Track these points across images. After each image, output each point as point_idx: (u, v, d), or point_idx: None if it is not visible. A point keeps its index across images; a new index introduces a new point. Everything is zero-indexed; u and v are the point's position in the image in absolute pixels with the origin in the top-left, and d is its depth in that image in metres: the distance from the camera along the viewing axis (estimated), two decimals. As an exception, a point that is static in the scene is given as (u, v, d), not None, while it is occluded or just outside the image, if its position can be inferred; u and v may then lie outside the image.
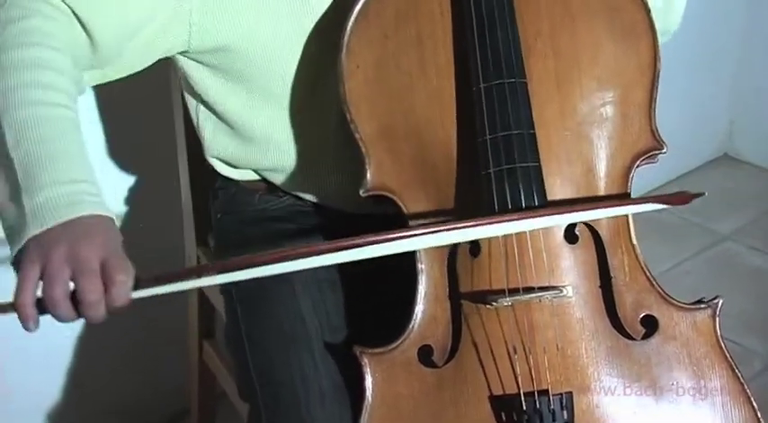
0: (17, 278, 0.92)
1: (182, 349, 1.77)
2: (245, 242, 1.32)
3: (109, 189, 1.67)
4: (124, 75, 1.17)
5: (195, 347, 1.73)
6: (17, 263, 0.94)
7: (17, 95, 1.00)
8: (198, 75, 1.22)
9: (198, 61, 1.20)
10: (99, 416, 1.85)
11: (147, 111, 1.66)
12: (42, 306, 0.92)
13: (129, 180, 1.72)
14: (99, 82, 1.16)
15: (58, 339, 1.77)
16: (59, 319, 0.93)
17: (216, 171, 1.36)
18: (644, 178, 1.16)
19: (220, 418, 1.83)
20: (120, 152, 1.69)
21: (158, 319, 1.82)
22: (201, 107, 1.28)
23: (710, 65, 2.68)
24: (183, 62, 1.21)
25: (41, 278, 0.92)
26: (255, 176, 1.33)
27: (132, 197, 1.74)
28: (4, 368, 1.69)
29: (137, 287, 0.95)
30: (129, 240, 1.74)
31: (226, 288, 1.30)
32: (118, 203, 1.74)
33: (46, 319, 1.68)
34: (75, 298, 0.92)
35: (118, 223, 1.75)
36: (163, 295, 0.98)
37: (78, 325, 1.77)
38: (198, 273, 1.03)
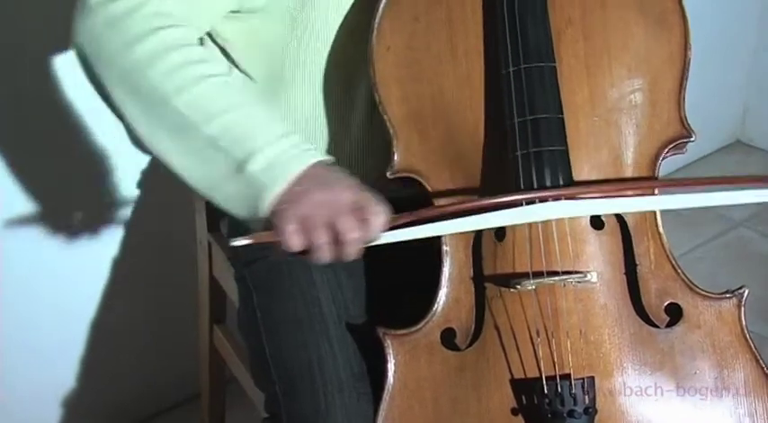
0: (279, 234, 0.97)
1: (192, 335, 1.77)
2: (260, 224, 1.31)
3: (120, 173, 1.69)
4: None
5: (206, 333, 1.72)
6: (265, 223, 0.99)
7: (178, 78, 1.01)
8: (232, 41, 1.20)
9: (234, 28, 1.19)
10: (110, 401, 1.85)
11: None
12: (302, 253, 0.98)
13: (140, 164, 1.71)
14: None
15: (69, 327, 1.77)
16: (318, 261, 0.99)
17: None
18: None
19: (230, 403, 1.83)
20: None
21: (169, 305, 1.83)
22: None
23: (725, 51, 2.67)
24: (220, 28, 1.20)
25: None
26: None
27: (144, 182, 1.73)
28: (13, 355, 1.69)
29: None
30: (141, 226, 1.75)
31: (240, 274, 1.30)
32: (129, 188, 1.73)
33: (53, 309, 1.69)
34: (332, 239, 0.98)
35: (130, 207, 1.77)
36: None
37: (90, 312, 1.78)
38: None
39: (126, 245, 1.76)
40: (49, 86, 1.56)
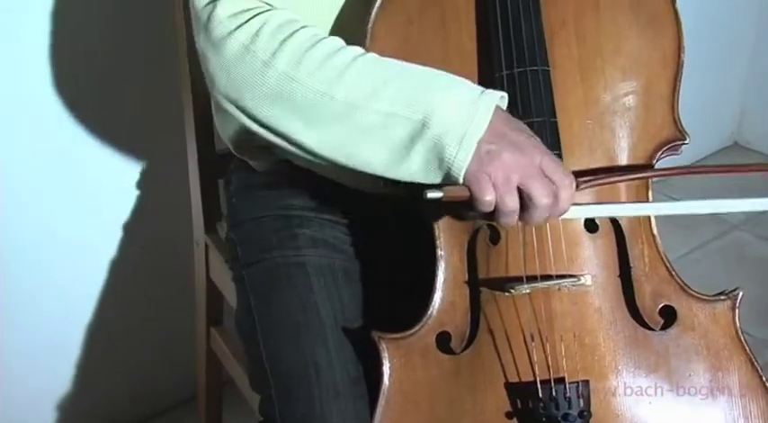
0: (475, 195, 0.97)
1: (189, 337, 1.77)
2: (259, 226, 1.31)
3: (118, 174, 1.69)
4: None
5: (203, 335, 1.73)
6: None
7: (326, 70, 1.01)
8: None
9: None
10: (107, 403, 1.85)
11: (157, 97, 1.66)
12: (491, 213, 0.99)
13: (138, 166, 1.72)
14: None
15: (66, 329, 1.77)
16: (507, 225, 1.00)
17: (226, 158, 1.35)
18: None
19: (227, 405, 1.83)
20: (130, 137, 1.69)
21: (166, 308, 1.83)
22: None
23: (722, 54, 2.68)
24: None
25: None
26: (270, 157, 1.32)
27: (141, 183, 1.73)
28: (11, 358, 1.69)
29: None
30: (138, 228, 1.76)
31: (238, 276, 1.30)
32: (127, 188, 1.73)
33: (50, 311, 1.69)
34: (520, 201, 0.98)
35: (127, 208, 1.77)
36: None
37: (87, 314, 1.78)
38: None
39: (123, 246, 1.76)
40: (48, 86, 1.56)
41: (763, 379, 1.08)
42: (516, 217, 0.99)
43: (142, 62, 1.62)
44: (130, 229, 1.75)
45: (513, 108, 1.06)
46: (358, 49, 1.05)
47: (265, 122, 1.04)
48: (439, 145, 0.98)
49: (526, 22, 1.09)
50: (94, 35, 1.57)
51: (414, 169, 1.01)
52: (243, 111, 1.04)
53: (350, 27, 1.14)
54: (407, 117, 0.99)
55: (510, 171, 0.97)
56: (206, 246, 1.61)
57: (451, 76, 1.02)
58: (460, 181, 0.98)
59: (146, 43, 1.61)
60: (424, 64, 1.06)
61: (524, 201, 0.98)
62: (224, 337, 1.67)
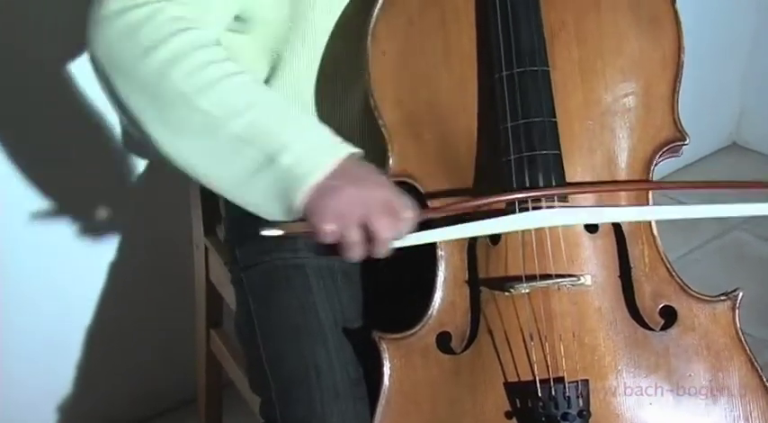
0: (313, 227, 0.97)
1: (189, 339, 1.77)
2: (257, 232, 1.31)
3: (117, 177, 1.69)
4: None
5: (203, 337, 1.73)
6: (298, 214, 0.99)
7: (200, 78, 1.00)
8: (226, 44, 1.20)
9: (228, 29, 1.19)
10: (107, 405, 1.85)
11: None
12: (334, 248, 0.99)
13: (138, 168, 1.72)
14: None
15: (66, 331, 1.77)
16: (351, 259, 0.99)
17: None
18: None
19: (227, 407, 1.83)
20: (129, 140, 1.69)
21: (166, 309, 1.83)
22: None
23: (721, 54, 2.68)
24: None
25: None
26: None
27: (141, 186, 1.73)
28: (11, 359, 1.69)
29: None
30: (138, 230, 1.75)
31: (237, 279, 1.30)
32: (126, 191, 1.73)
33: (50, 312, 1.69)
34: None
35: (128, 210, 1.76)
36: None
37: (87, 315, 1.78)
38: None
39: (123, 249, 1.76)
40: (49, 89, 1.56)
41: (764, 379, 1.08)
42: (360, 251, 0.99)
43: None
44: (131, 230, 1.75)
45: (513, 109, 1.07)
46: (242, 67, 1.04)
47: (126, 107, 1.03)
48: (283, 179, 0.98)
49: (526, 23, 1.09)
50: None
51: (256, 199, 1.01)
52: (111, 89, 1.03)
53: (351, 24, 1.14)
54: (259, 147, 0.99)
55: (352, 205, 0.97)
56: (206, 248, 1.61)
57: (317, 122, 1.04)
58: (301, 214, 0.98)
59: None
60: (425, 64, 1.07)
61: (367, 234, 0.98)
62: (224, 339, 1.67)
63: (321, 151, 0.99)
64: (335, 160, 0.99)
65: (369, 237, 0.98)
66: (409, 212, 1.00)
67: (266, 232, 0.99)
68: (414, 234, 1.02)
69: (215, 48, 1.04)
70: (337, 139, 1.02)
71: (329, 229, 0.97)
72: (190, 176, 1.04)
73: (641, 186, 1.11)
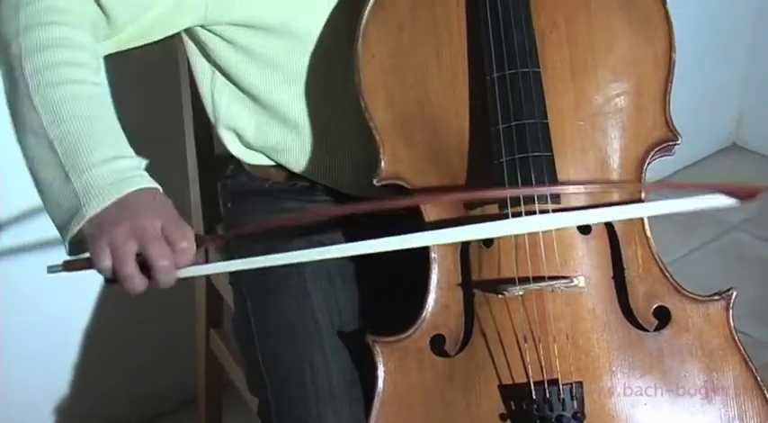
0: (93, 257, 0.97)
1: (189, 339, 1.77)
2: (256, 233, 1.31)
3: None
4: (138, 44, 1.17)
5: (203, 336, 1.73)
6: (77, 242, 0.99)
7: (46, 76, 1.01)
8: (215, 46, 1.21)
9: (216, 34, 1.19)
10: (106, 406, 1.86)
11: (156, 100, 1.66)
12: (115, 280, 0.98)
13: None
14: (113, 51, 1.16)
15: (65, 332, 1.77)
16: (133, 291, 0.98)
17: (225, 159, 1.35)
18: (652, 168, 1.16)
19: (227, 408, 1.83)
20: (130, 139, 1.68)
21: (166, 309, 1.83)
22: (218, 75, 1.27)
23: (720, 55, 2.68)
24: (201, 33, 1.20)
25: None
26: (267, 161, 1.32)
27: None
28: (11, 360, 1.69)
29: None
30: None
31: (235, 280, 1.30)
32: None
33: (50, 313, 1.69)
34: (143, 267, 0.97)
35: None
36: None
37: (86, 316, 1.78)
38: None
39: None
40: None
41: (758, 379, 1.08)
42: (139, 282, 0.98)
43: (142, 64, 1.62)
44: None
45: (504, 111, 1.06)
46: (94, 78, 1.05)
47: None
48: (71, 201, 0.98)
49: (517, 25, 1.08)
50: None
51: (50, 206, 1.02)
52: None
53: (341, 27, 1.14)
54: (63, 161, 0.99)
55: (127, 237, 0.96)
56: (206, 248, 1.61)
57: (126, 152, 1.03)
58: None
59: (146, 44, 1.61)
60: (416, 66, 1.07)
61: (146, 264, 0.97)
62: (224, 339, 1.67)
63: (106, 185, 0.98)
64: (116, 196, 0.98)
65: (148, 267, 0.97)
66: (185, 243, 0.98)
67: (52, 270, 1.00)
68: (200, 265, 1.04)
69: (74, 50, 1.04)
70: (131, 173, 1.00)
71: (105, 264, 0.96)
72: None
73: (638, 187, 1.11)
